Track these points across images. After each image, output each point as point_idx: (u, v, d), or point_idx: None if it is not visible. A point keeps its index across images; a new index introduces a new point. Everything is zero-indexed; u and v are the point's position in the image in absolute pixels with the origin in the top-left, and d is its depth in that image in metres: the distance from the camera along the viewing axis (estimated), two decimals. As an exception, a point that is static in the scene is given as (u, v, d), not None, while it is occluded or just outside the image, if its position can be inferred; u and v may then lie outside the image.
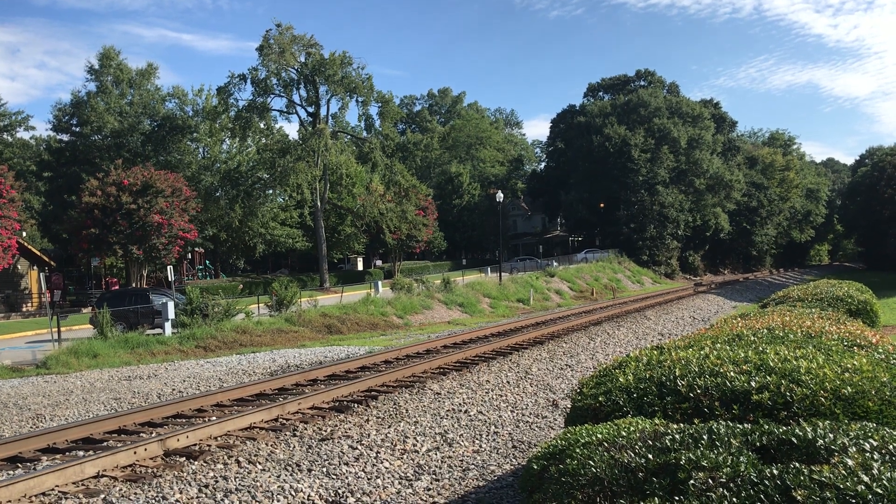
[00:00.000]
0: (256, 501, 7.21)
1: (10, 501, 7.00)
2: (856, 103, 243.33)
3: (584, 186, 69.56)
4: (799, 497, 3.06)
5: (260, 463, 8.40)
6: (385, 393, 12.60)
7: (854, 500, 2.99)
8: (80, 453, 9.08)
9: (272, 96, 51.93)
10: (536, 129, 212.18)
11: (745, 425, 4.10)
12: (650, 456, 3.74)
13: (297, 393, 12.85)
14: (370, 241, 65.18)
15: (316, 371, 14.82)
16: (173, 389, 14.57)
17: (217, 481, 7.72)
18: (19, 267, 40.92)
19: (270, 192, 57.04)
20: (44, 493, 7.29)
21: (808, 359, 5.50)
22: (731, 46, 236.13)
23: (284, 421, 10.49)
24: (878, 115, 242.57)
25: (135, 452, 8.40)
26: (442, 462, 8.68)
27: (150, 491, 7.38)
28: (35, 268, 41.83)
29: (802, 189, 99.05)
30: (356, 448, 9.07)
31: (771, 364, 5.34)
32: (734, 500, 3.18)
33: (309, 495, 7.39)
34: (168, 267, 32.17)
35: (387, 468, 8.35)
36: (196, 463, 8.36)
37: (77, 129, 54.95)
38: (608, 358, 17.52)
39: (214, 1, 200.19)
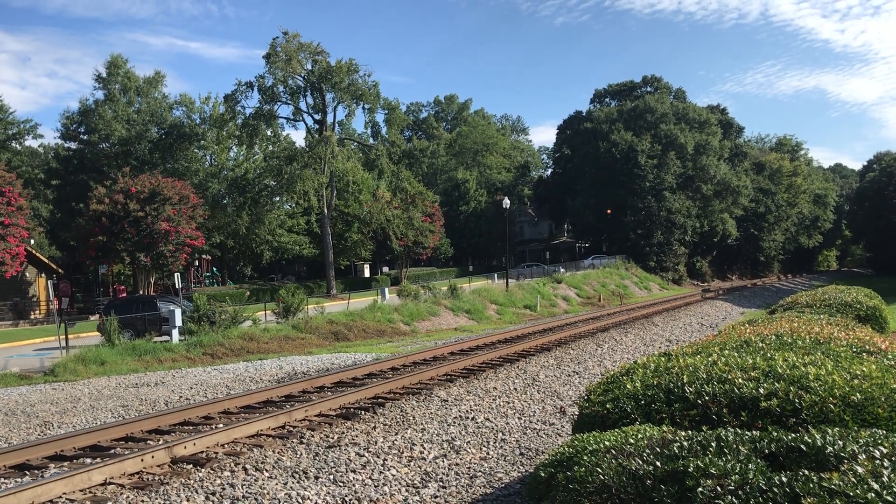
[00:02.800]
0: (263, 509, 7.20)
1: (18, 509, 7.01)
2: (863, 108, 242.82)
3: (591, 192, 69.51)
4: (808, 505, 3.04)
5: (267, 470, 8.40)
6: (392, 400, 12.59)
7: (864, 508, 2.97)
8: (88, 461, 9.08)
9: (279, 104, 52.23)
10: (543, 136, 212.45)
11: (754, 432, 4.07)
12: (658, 463, 3.72)
13: (304, 400, 12.85)
14: (377, 247, 65.28)
15: (323, 378, 14.83)
16: (180, 397, 14.59)
17: (224, 489, 7.72)
18: (27, 274, 41.13)
19: (277, 199, 57.23)
20: (51, 501, 7.30)
21: (817, 365, 5.46)
22: (737, 52, 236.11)
23: (291, 428, 10.49)
24: (886, 120, 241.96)
25: (142, 460, 8.42)
26: (449, 469, 8.66)
27: (157, 498, 7.39)
28: (43, 275, 42.04)
29: (810, 194, 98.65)
30: (363, 455, 9.06)
31: (779, 371, 5.31)
32: (743, 507, 3.16)
33: (316, 503, 7.38)
34: (175, 274, 32.26)
35: (394, 475, 8.33)
36: (203, 470, 8.37)
37: (85, 137, 55.27)
38: (616, 364, 17.46)
39: (221, 9, 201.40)
